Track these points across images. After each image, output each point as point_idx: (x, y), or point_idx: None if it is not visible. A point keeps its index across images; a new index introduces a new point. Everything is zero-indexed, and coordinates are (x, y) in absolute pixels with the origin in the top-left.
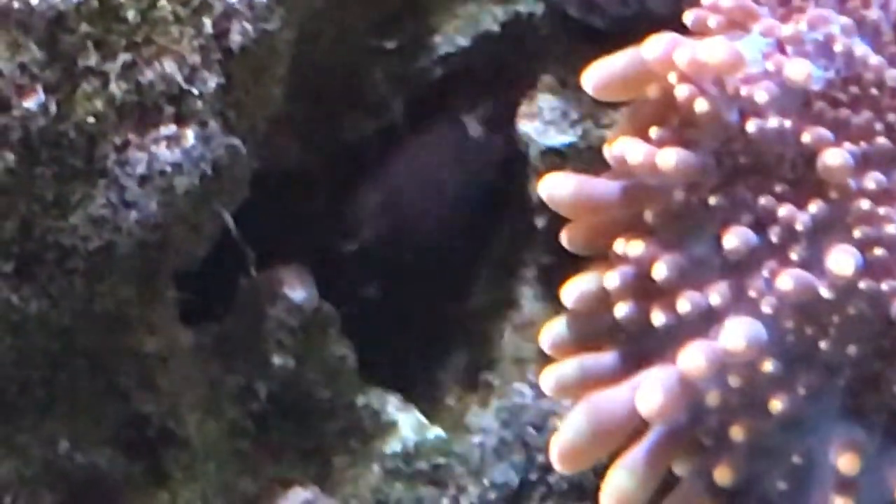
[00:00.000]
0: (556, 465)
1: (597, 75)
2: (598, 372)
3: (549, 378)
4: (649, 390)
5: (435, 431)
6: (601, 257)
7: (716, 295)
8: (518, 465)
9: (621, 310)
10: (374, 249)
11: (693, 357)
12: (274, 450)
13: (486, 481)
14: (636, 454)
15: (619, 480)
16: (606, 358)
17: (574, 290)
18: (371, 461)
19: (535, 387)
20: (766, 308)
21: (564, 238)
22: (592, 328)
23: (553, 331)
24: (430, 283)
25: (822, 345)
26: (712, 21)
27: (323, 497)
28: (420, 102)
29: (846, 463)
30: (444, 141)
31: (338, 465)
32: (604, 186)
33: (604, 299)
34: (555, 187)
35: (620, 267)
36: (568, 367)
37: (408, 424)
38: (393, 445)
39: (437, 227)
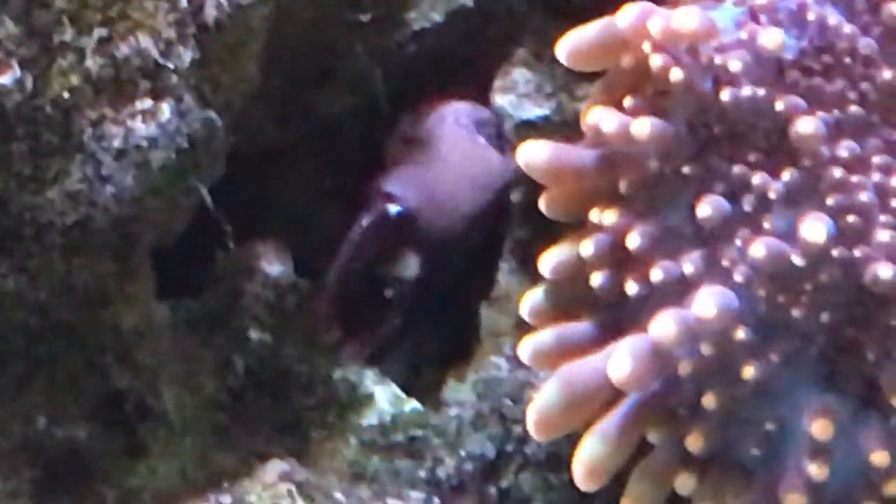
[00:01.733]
0: (533, 434)
1: (570, 44)
2: (574, 341)
3: (526, 347)
4: (620, 358)
5: (411, 404)
6: (577, 227)
7: (689, 264)
8: (495, 436)
9: (597, 279)
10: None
11: (664, 324)
12: (251, 424)
13: (462, 453)
14: (609, 422)
15: (592, 448)
16: (583, 327)
17: (551, 259)
18: (348, 434)
19: (511, 359)
20: (738, 277)
21: (543, 204)
22: (570, 297)
23: (532, 299)
24: None
25: (795, 312)
26: None
27: (300, 469)
28: (395, 77)
29: (819, 429)
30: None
31: (315, 438)
32: (579, 154)
33: (581, 268)
34: (531, 154)
35: (595, 236)
36: (545, 336)
37: (384, 397)
38: (370, 418)
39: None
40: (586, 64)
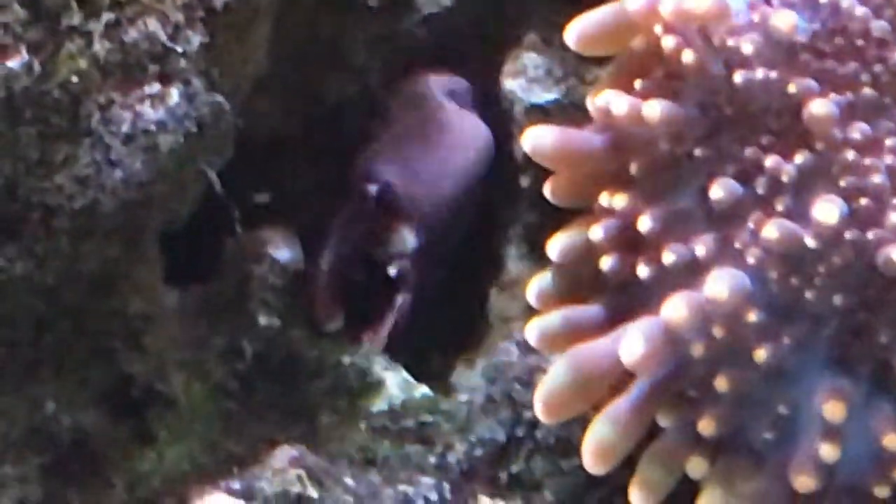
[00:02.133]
0: (540, 416)
1: (580, 28)
2: (582, 324)
3: (533, 329)
4: (632, 340)
5: (421, 390)
6: (585, 212)
7: (701, 246)
8: (505, 421)
9: (606, 262)
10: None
11: (676, 306)
12: (260, 409)
13: (473, 438)
14: (620, 406)
15: (601, 431)
16: (591, 310)
17: (559, 243)
18: (358, 419)
19: (521, 344)
20: (750, 259)
21: (548, 190)
22: (578, 281)
23: (539, 283)
24: None
25: (808, 295)
26: None
27: (310, 455)
28: (405, 63)
29: (831, 410)
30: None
31: (325, 424)
32: (587, 138)
33: (589, 252)
34: (538, 138)
35: (605, 220)
36: (552, 319)
37: (394, 383)
38: (379, 404)
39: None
40: (595, 49)
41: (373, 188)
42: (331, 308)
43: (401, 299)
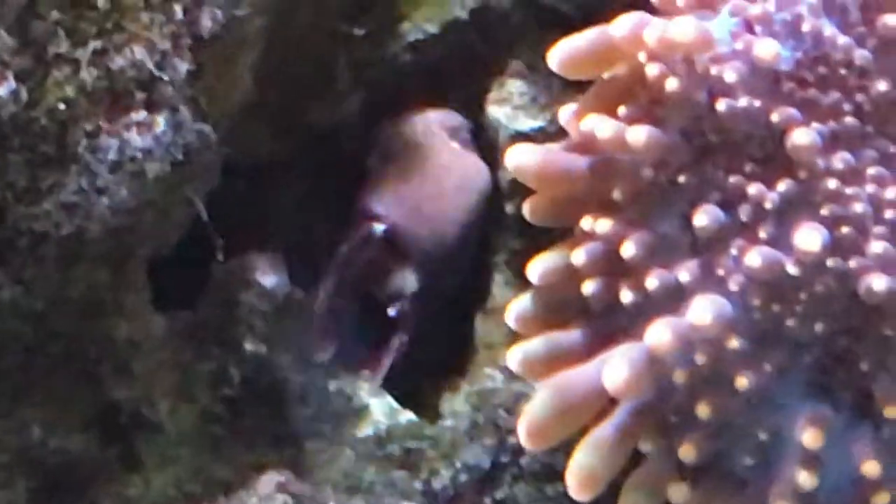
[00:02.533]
0: (524, 443)
1: (563, 52)
2: (565, 349)
3: (515, 355)
4: (615, 366)
5: (407, 416)
6: (566, 235)
7: (685, 272)
8: (489, 447)
9: (588, 287)
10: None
11: (659, 332)
12: (247, 435)
13: (458, 464)
14: (602, 431)
15: (586, 457)
16: (573, 335)
17: (540, 266)
18: (343, 445)
19: (505, 370)
20: (733, 286)
21: (527, 209)
22: (558, 305)
23: (519, 306)
24: None
25: (790, 322)
26: (680, 1)
27: (296, 481)
28: (389, 89)
29: (810, 437)
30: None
31: (310, 450)
32: (571, 159)
33: (570, 276)
34: (522, 157)
35: (588, 244)
36: (534, 345)
37: (380, 409)
38: (365, 430)
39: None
40: (578, 73)
41: (378, 228)
42: (323, 339)
43: (398, 340)
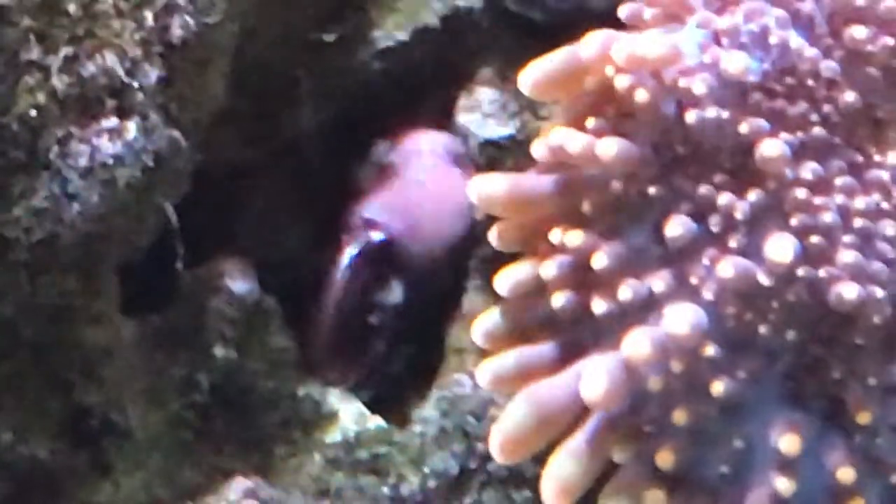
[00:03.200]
0: (497, 457)
1: (533, 76)
2: (535, 363)
3: (485, 371)
4: (594, 377)
5: (375, 421)
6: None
7: (659, 282)
8: (458, 453)
9: (559, 300)
10: None
11: (638, 343)
12: (216, 440)
13: (426, 470)
14: (578, 440)
15: (563, 467)
16: (544, 349)
17: (508, 279)
18: (312, 451)
19: (474, 377)
20: (707, 294)
21: (494, 236)
22: (527, 318)
23: (486, 322)
24: None
25: (762, 330)
26: (648, 14)
27: (265, 486)
28: (359, 96)
29: (787, 443)
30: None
31: (279, 455)
32: (537, 181)
33: (538, 289)
34: (487, 188)
35: (557, 257)
36: (505, 360)
37: (348, 415)
38: (334, 435)
39: None
40: (549, 94)
41: (376, 236)
42: (333, 358)
43: (376, 348)
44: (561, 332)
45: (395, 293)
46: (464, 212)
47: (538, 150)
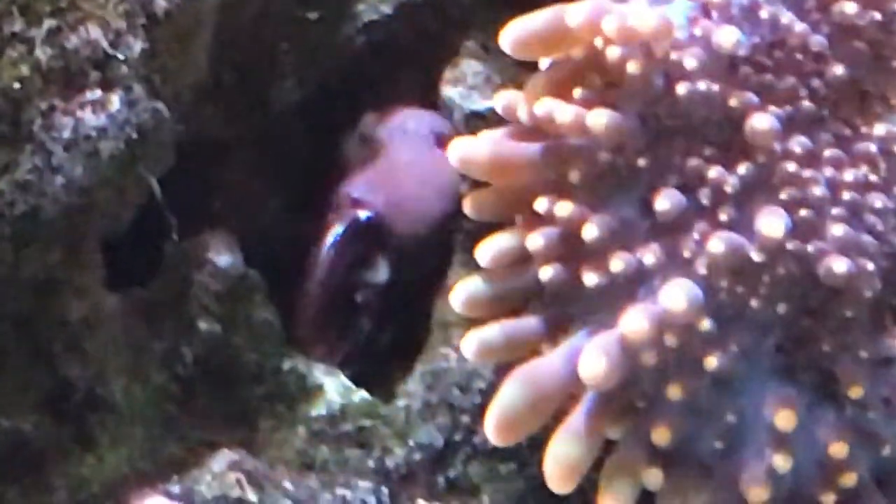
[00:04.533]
0: (493, 438)
1: (515, 33)
2: (522, 336)
3: (471, 342)
4: (592, 356)
5: (360, 394)
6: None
7: (650, 255)
8: (443, 426)
9: (546, 272)
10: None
11: (635, 320)
12: (200, 414)
13: (411, 443)
14: (576, 420)
15: (565, 447)
16: (530, 321)
17: (490, 248)
18: (297, 424)
19: (459, 350)
20: (700, 268)
21: (470, 205)
22: (509, 287)
23: (467, 288)
24: None
25: (753, 303)
26: None
27: (249, 459)
28: (343, 70)
29: (783, 419)
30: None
31: (264, 428)
32: (522, 147)
33: (521, 259)
34: (469, 150)
35: (544, 228)
36: (491, 331)
37: (333, 388)
38: (319, 408)
39: None
40: (530, 53)
41: (363, 214)
42: (319, 336)
43: (361, 326)
44: (547, 305)
45: (380, 271)
46: (448, 192)
47: (520, 115)
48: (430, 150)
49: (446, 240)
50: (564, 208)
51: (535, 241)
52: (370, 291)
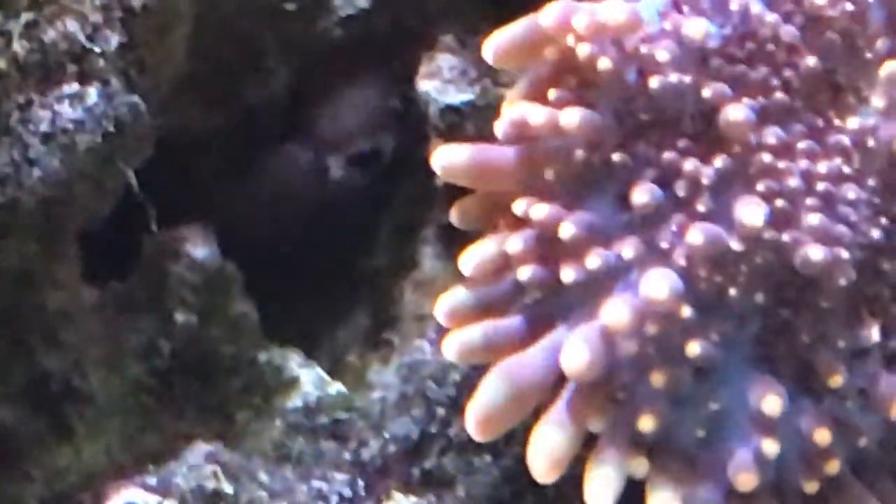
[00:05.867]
0: (474, 434)
1: (495, 44)
2: (503, 337)
3: (452, 344)
4: (574, 349)
5: (336, 387)
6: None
7: (628, 248)
8: (418, 418)
9: (525, 273)
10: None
11: (617, 310)
12: (177, 405)
13: (386, 435)
14: (558, 412)
15: (550, 438)
16: (512, 322)
17: (473, 257)
18: (273, 416)
19: (434, 343)
20: (678, 259)
21: (455, 214)
22: (493, 296)
23: (451, 300)
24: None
25: (732, 292)
26: None
27: (225, 451)
28: (320, 65)
29: (769, 403)
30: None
31: (240, 420)
32: (500, 151)
33: (503, 265)
34: (450, 157)
35: (522, 230)
36: (472, 333)
37: (309, 380)
38: (295, 401)
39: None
40: (512, 63)
41: None
42: None
43: None
44: (527, 306)
45: None
46: None
47: (499, 126)
48: None
49: None
50: (541, 210)
51: (514, 243)
52: None
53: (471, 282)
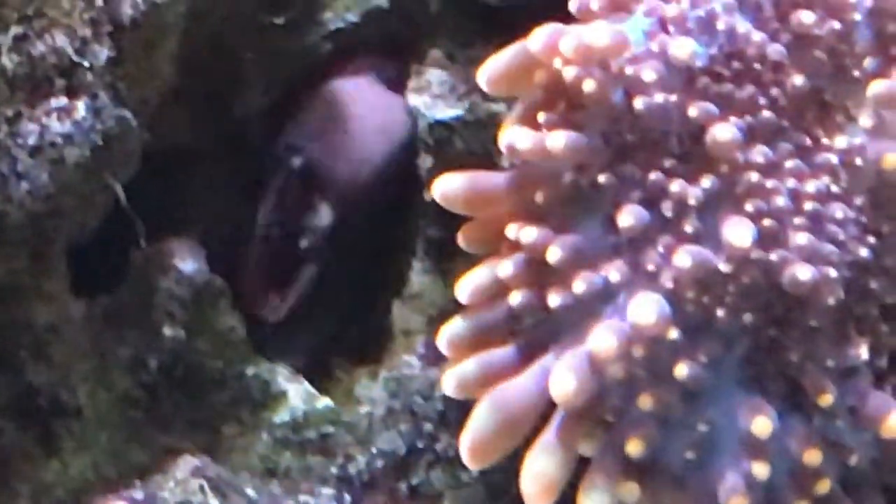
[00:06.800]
0: (468, 463)
1: (488, 72)
2: (497, 367)
3: (449, 380)
4: (562, 376)
5: (324, 401)
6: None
7: (614, 272)
8: (406, 433)
9: (516, 298)
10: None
11: (603, 337)
12: (164, 419)
13: (374, 450)
14: (549, 437)
15: (539, 465)
16: (505, 352)
17: (469, 284)
18: (260, 430)
19: (422, 357)
20: (665, 281)
21: (462, 239)
22: (487, 323)
23: (449, 331)
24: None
25: (719, 313)
26: (595, 4)
27: (212, 465)
28: (308, 80)
29: (758, 425)
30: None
31: (228, 435)
32: (493, 178)
33: (497, 291)
34: (446, 185)
35: (513, 255)
36: (467, 367)
37: (297, 395)
38: (282, 415)
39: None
40: (506, 89)
41: (296, 160)
42: (263, 293)
43: (307, 272)
44: (520, 333)
45: (322, 215)
46: (392, 133)
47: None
48: (371, 89)
49: (393, 180)
50: (530, 234)
51: (506, 268)
52: (314, 236)
53: (468, 309)
